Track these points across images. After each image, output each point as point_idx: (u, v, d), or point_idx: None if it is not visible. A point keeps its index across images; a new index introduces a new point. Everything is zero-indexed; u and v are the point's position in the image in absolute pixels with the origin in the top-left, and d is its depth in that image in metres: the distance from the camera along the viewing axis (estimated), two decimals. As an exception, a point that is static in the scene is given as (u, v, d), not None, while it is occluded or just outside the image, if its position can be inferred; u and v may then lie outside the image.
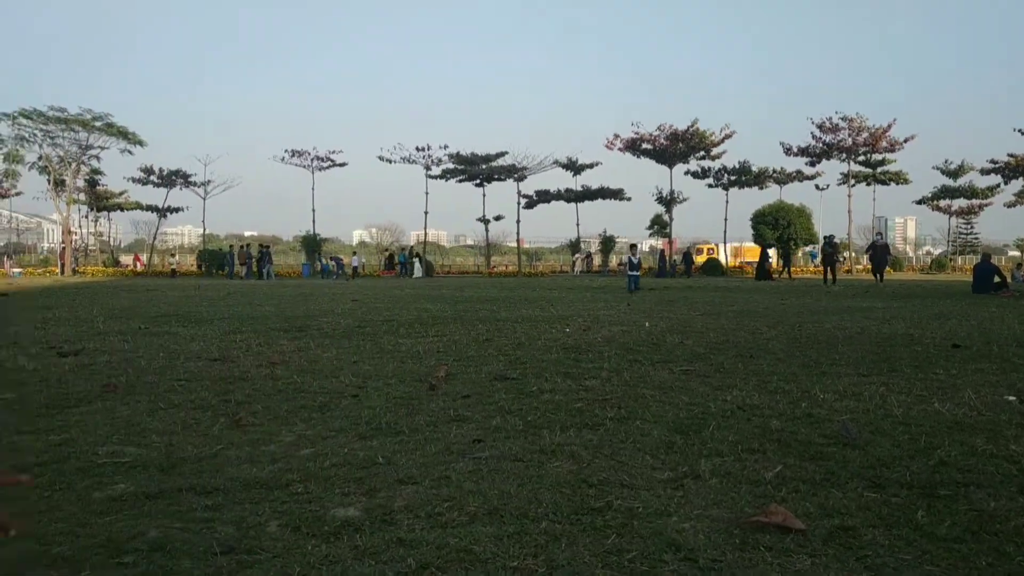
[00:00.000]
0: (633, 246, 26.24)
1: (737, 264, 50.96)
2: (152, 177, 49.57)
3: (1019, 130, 52.41)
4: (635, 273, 23.21)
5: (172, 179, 49.91)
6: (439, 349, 7.85)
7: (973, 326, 10.17)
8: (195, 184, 50.20)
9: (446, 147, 49.98)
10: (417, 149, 49.41)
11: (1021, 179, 54.55)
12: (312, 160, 50.04)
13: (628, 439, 3.93)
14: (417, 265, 45.14)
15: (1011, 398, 5.00)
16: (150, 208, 52.83)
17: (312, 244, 50.47)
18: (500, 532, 2.61)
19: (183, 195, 53.76)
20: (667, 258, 46.87)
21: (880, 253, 29.94)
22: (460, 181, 52.36)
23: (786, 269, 39.59)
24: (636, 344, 8.20)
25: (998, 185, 55.73)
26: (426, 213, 50.78)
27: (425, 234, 53.19)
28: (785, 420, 4.36)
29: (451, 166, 51.23)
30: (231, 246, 47.79)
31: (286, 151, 49.67)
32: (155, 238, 57.48)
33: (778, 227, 49.85)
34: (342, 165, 50.99)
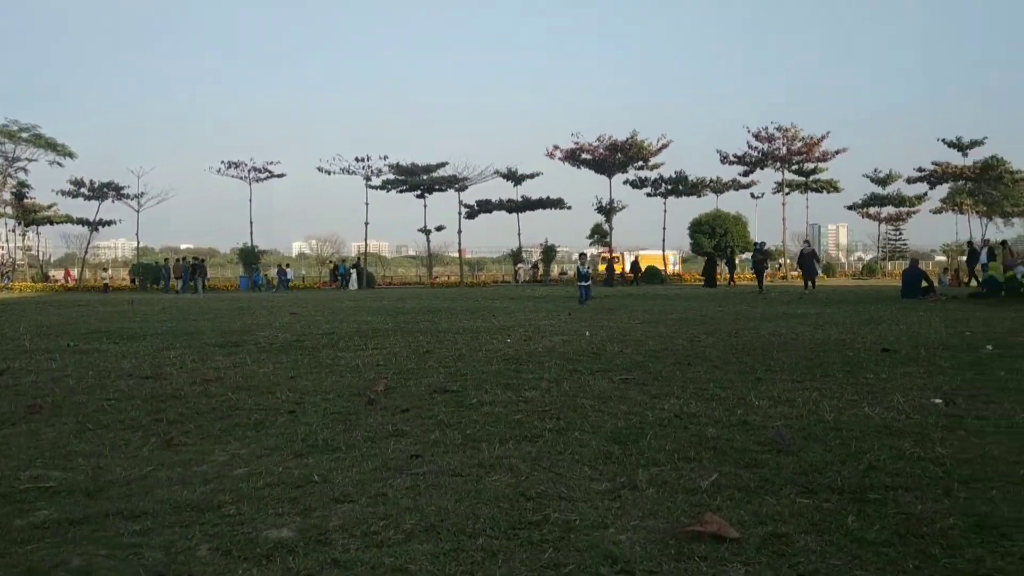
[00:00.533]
0: (583, 255, 25.34)
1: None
2: (83, 190, 48.31)
3: (942, 140, 54.27)
4: (585, 284, 21.91)
5: (104, 191, 48.70)
6: (379, 362, 7.78)
7: (902, 330, 10.47)
8: (128, 196, 49.10)
9: (386, 158, 49.76)
10: (357, 160, 49.07)
11: (946, 186, 56.47)
12: (249, 171, 49.34)
13: (566, 450, 3.93)
14: (354, 277, 44.66)
15: (937, 401, 5.14)
16: (80, 221, 51.46)
17: (250, 257, 49.66)
18: (437, 550, 2.59)
19: (116, 207, 52.27)
20: (614, 267, 47.09)
21: (808, 261, 30.16)
22: (401, 192, 52.13)
23: (731, 277, 40.14)
24: (576, 354, 8.23)
25: (925, 193, 57.59)
26: (366, 224, 50.42)
27: (366, 245, 52.81)
28: (721, 427, 4.42)
29: (391, 177, 50.98)
30: (166, 259, 46.82)
31: (223, 162, 48.96)
32: (87, 252, 55.88)
33: (715, 235, 50.82)
34: (280, 176, 50.40)
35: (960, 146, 53.88)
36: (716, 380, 6.23)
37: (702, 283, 38.15)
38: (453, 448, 4.03)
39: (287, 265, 51.62)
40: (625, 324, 12.49)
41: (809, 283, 29.24)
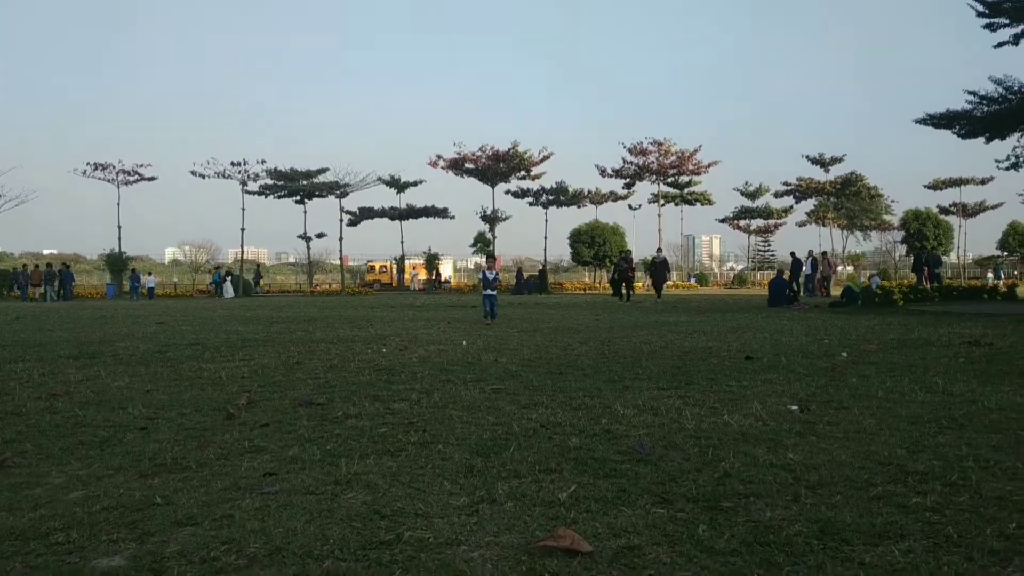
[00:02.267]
0: (491, 256, 19.26)
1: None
2: (-69, 192, 44.96)
3: (806, 156, 57.15)
4: (491, 292, 15.83)
5: (-46, 194, 45.48)
6: (244, 375, 7.49)
7: (766, 338, 10.87)
8: (-19, 199, 46.01)
9: (263, 162, 48.56)
10: (233, 164, 47.60)
11: (812, 201, 59.48)
12: (117, 174, 47.07)
13: (428, 464, 3.85)
14: (227, 285, 43.16)
15: (793, 408, 5.32)
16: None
17: (118, 263, 47.33)
18: (279, 575, 2.46)
19: (-33, 210, 48.93)
20: (523, 275, 46.73)
21: (659, 270, 29.95)
22: (279, 197, 50.94)
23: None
24: (451, 364, 8.16)
25: (791, 206, 60.53)
26: (243, 230, 49.04)
27: (242, 251, 51.23)
28: (584, 437, 4.43)
29: (269, 182, 49.74)
30: (24, 265, 44.07)
31: (88, 164, 46.49)
32: (-67, 257, 52.06)
33: (594, 245, 51.78)
34: (151, 179, 48.28)
35: (822, 162, 56.96)
36: (585, 389, 6.28)
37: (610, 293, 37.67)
38: (311, 464, 3.88)
39: (149, 274, 46.88)
40: (503, 333, 12.51)
41: (657, 292, 29.11)
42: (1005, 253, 63.53)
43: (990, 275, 55.53)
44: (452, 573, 2.45)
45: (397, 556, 2.61)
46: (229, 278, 44.72)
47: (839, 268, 53.53)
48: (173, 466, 3.91)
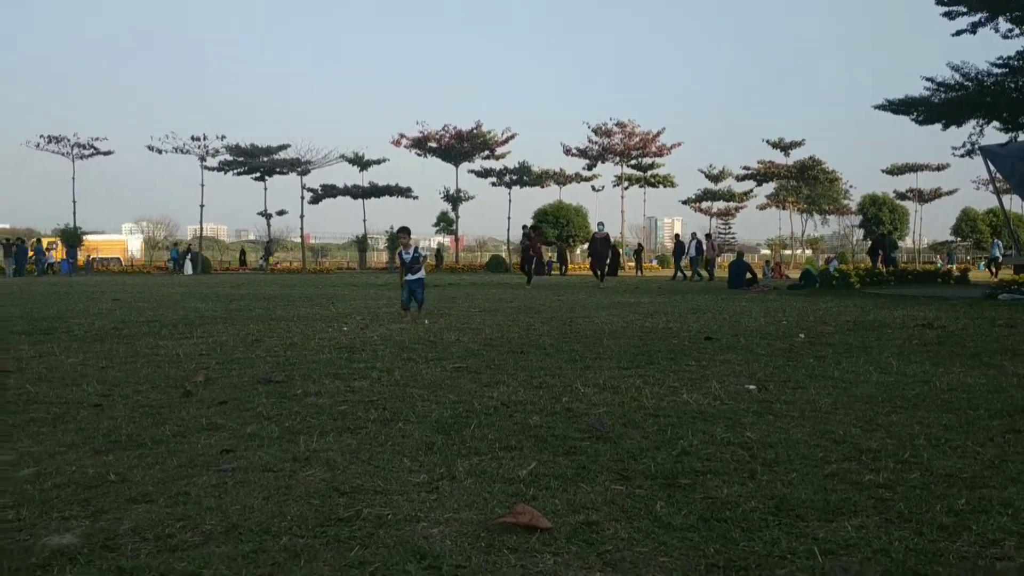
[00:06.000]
0: (403, 230, 12.24)
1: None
2: None
3: (767, 140, 57.69)
4: (412, 276, 11.55)
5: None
6: (203, 352, 7.39)
7: (725, 319, 10.99)
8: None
9: (223, 138, 47.68)
10: (192, 139, 46.74)
11: (772, 184, 60.12)
12: (72, 147, 45.99)
13: (388, 442, 3.83)
14: (187, 263, 42.52)
15: (751, 387, 5.38)
16: None
17: (72, 238, 46.36)
18: (235, 552, 2.43)
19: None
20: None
21: (600, 247, 26.01)
22: (239, 174, 50.17)
23: (563, 267, 40.70)
24: (412, 342, 8.13)
25: (751, 190, 61.13)
26: (202, 206, 48.15)
27: (201, 228, 50.43)
28: (545, 415, 4.44)
29: (229, 158, 48.97)
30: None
31: (42, 136, 45.34)
32: None
33: (558, 226, 51.87)
34: (107, 154, 47.28)
35: (783, 146, 57.53)
36: (547, 368, 6.30)
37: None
38: (269, 442, 3.84)
39: (48, 247, 42.32)
40: (465, 312, 12.49)
41: (598, 272, 25.76)
42: (958, 239, 64.84)
43: (939, 260, 56.75)
44: (411, 550, 2.44)
45: (356, 533, 2.60)
46: (189, 255, 44.08)
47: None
48: (128, 443, 3.84)
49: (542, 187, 55.71)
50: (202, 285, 24.85)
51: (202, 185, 47.99)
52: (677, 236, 32.57)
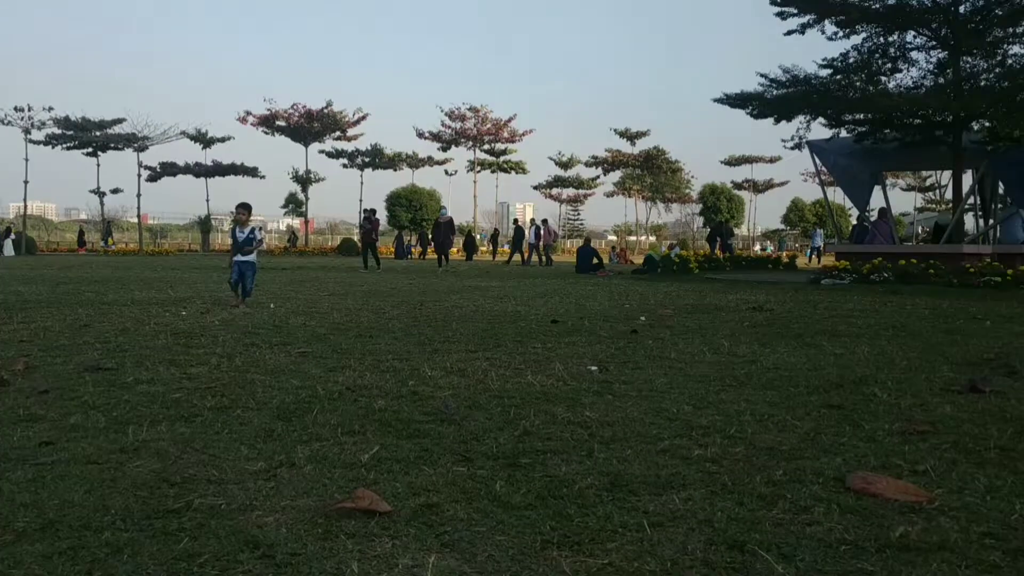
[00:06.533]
0: (243, 206, 10.72)
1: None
2: None
3: (614, 129, 59.47)
4: (243, 258, 10.48)
5: None
6: (23, 338, 6.89)
7: (571, 303, 11.26)
8: None
9: (51, 109, 44.32)
10: (16, 109, 43.22)
11: (618, 172, 62.03)
12: None
13: (224, 430, 3.70)
14: (8, 243, 39.42)
15: (593, 368, 5.55)
16: None
17: None
18: (51, 550, 2.28)
19: None
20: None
21: (443, 231, 25.55)
22: (68, 148, 46.86)
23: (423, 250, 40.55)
24: (256, 327, 7.88)
25: (598, 176, 62.87)
26: (26, 183, 44.71)
27: (25, 206, 46.88)
28: (391, 399, 4.42)
29: (57, 131, 45.68)
30: None
31: None
32: None
33: (411, 209, 51.59)
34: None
35: (629, 136, 59.43)
36: (395, 352, 6.26)
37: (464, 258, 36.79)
38: (94, 433, 3.63)
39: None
40: (312, 296, 12.23)
41: (442, 256, 25.53)
42: (787, 227, 69.03)
43: (768, 246, 60.34)
44: (244, 539, 2.37)
45: (185, 524, 2.50)
46: (11, 236, 40.89)
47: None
48: (-68, 438, 3.54)
49: (395, 170, 55.13)
50: (26, 267, 23.13)
51: (26, 159, 44.56)
52: (516, 221, 33.44)
